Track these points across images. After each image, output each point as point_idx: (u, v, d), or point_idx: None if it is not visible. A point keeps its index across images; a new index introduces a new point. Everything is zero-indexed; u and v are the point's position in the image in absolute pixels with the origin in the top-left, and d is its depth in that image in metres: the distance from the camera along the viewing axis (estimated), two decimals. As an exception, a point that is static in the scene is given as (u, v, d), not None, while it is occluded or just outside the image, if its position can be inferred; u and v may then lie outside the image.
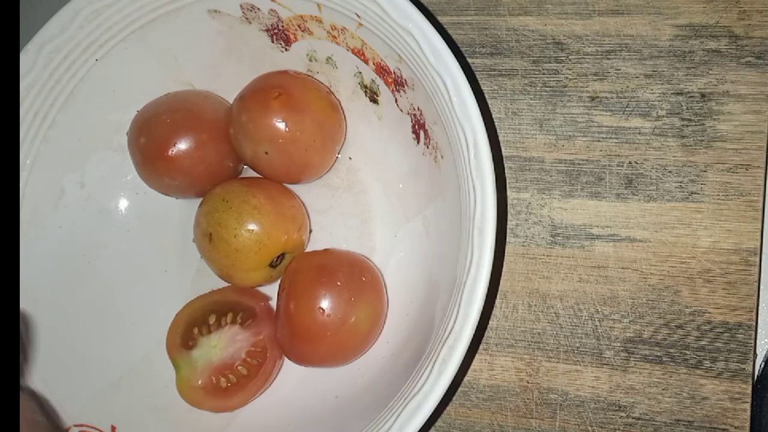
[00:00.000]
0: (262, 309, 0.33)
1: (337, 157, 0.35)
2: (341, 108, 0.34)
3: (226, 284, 0.34)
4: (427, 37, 0.27)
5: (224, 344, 0.32)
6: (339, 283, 0.30)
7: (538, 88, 0.34)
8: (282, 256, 0.33)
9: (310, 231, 0.35)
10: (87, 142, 0.35)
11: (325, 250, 0.33)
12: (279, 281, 0.33)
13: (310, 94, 0.32)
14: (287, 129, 0.31)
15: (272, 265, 0.32)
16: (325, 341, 0.30)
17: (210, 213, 0.32)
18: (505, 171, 0.34)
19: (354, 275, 0.31)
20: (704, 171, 0.32)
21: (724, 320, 0.31)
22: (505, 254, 0.33)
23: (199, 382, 0.32)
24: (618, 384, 0.31)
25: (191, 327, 0.33)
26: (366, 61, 0.31)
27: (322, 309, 0.30)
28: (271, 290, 0.34)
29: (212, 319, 0.33)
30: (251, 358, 0.32)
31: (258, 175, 0.35)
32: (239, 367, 0.32)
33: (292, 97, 0.32)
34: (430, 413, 0.25)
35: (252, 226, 0.31)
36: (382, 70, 0.31)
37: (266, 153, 0.32)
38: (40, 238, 0.34)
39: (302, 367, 0.33)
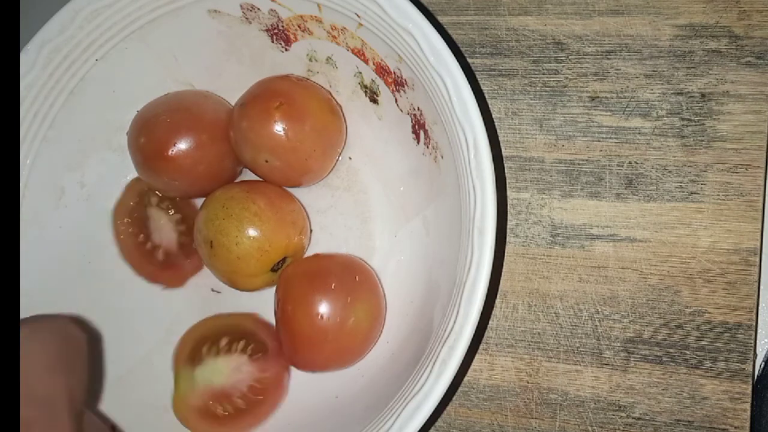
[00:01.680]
0: (274, 348, 0.33)
1: (337, 159, 0.35)
2: (342, 113, 0.34)
3: (226, 287, 0.34)
4: (427, 37, 0.27)
5: (229, 371, 0.31)
6: (333, 287, 0.30)
7: (538, 88, 0.34)
8: (284, 260, 0.33)
9: (311, 231, 0.35)
10: (87, 142, 0.35)
11: (314, 255, 0.33)
12: (275, 290, 0.33)
13: (312, 103, 0.32)
14: (288, 139, 0.31)
15: (274, 270, 0.32)
16: (327, 346, 0.30)
17: (210, 220, 0.32)
18: (505, 171, 0.34)
19: (346, 276, 0.31)
20: (704, 171, 0.32)
21: (724, 320, 0.31)
22: (505, 254, 0.33)
23: (195, 403, 0.31)
24: (618, 384, 0.31)
25: (202, 343, 0.32)
26: (366, 61, 0.31)
27: (320, 314, 0.30)
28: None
29: (224, 341, 0.32)
30: (252, 393, 0.31)
31: (258, 178, 0.35)
32: (237, 399, 0.31)
33: (294, 107, 0.31)
34: (430, 413, 0.25)
35: (253, 234, 0.31)
36: (382, 70, 0.31)
37: (266, 161, 0.32)
38: (40, 238, 0.34)
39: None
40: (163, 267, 0.35)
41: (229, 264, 0.31)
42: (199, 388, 0.31)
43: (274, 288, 0.33)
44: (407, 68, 0.29)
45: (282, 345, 0.32)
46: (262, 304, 0.34)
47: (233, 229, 0.31)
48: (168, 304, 0.36)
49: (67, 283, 0.34)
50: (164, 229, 0.35)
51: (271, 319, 0.34)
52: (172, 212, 0.35)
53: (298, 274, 0.32)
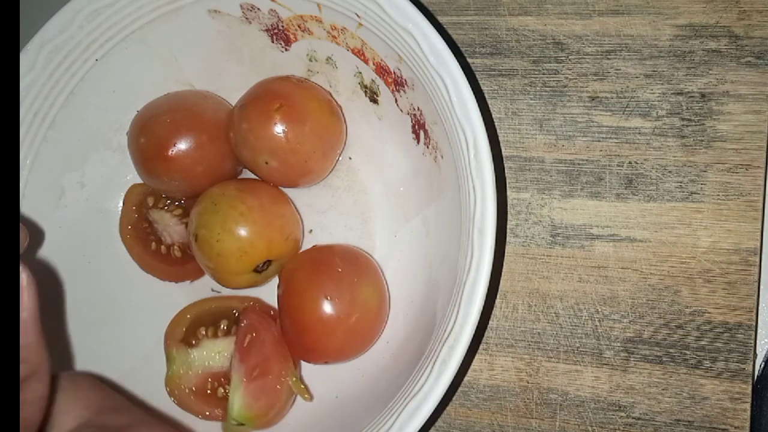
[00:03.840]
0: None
1: (337, 160, 0.35)
2: (342, 114, 0.34)
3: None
4: (427, 37, 0.27)
5: (228, 353, 0.32)
6: (339, 270, 0.30)
7: (538, 88, 0.34)
8: (268, 263, 0.32)
9: (311, 231, 0.35)
10: (87, 142, 0.35)
11: (313, 246, 0.33)
12: (277, 287, 0.33)
13: (312, 105, 0.32)
14: (287, 141, 0.31)
15: (257, 271, 0.32)
16: (340, 328, 0.30)
17: (199, 214, 0.32)
18: (505, 171, 0.34)
19: (350, 259, 0.31)
20: (704, 171, 0.32)
21: (724, 320, 0.31)
22: (505, 254, 0.33)
23: (193, 383, 0.31)
24: (618, 384, 0.31)
25: (198, 325, 0.33)
26: (366, 61, 0.31)
27: (329, 297, 0.30)
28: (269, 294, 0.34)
29: (224, 324, 0.32)
30: None
31: (256, 177, 0.35)
32: None
33: (294, 109, 0.31)
34: (430, 413, 0.25)
35: (235, 233, 0.31)
36: (382, 70, 0.31)
37: (266, 163, 0.32)
38: (40, 238, 0.34)
39: (308, 365, 0.32)
40: (184, 261, 0.35)
41: (210, 260, 0.31)
42: (196, 370, 0.32)
43: (268, 284, 0.33)
44: (407, 68, 0.29)
45: (288, 342, 0.32)
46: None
47: (217, 226, 0.31)
48: (168, 303, 0.35)
49: (67, 283, 0.34)
50: (171, 226, 0.35)
51: (273, 303, 0.33)
52: (172, 207, 0.35)
53: (302, 263, 0.32)
